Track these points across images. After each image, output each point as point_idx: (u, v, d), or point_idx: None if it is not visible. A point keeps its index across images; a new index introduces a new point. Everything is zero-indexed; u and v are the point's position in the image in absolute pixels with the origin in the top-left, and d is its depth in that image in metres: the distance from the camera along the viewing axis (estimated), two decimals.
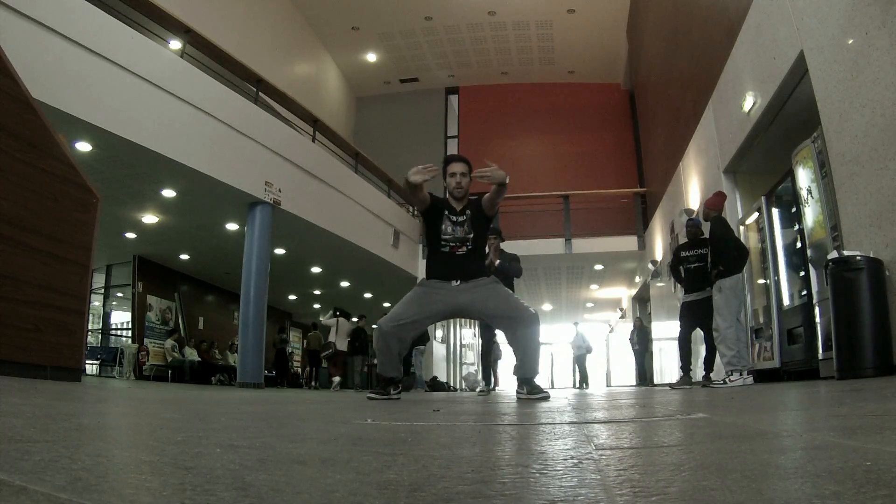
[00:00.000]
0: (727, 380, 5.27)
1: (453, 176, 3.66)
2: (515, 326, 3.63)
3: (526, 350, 3.64)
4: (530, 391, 3.59)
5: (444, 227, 3.61)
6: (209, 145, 8.16)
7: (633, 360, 14.37)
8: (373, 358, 11.29)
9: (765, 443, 1.12)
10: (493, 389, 6.75)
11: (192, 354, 12.88)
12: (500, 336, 5.31)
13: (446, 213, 3.63)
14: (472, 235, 3.64)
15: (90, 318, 9.10)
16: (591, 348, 14.54)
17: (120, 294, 13.57)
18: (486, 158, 3.65)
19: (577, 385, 13.87)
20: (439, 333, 13.90)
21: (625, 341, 14.75)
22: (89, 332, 11.63)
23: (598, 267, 15.35)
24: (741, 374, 5.26)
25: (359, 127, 18.33)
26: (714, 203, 5.81)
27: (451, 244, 3.61)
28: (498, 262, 5.96)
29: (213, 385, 11.76)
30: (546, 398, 3.52)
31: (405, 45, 16.29)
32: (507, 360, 13.03)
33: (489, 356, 6.84)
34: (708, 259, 5.77)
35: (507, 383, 14.46)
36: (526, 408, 2.76)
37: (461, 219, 3.64)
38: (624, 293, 18.15)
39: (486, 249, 4.74)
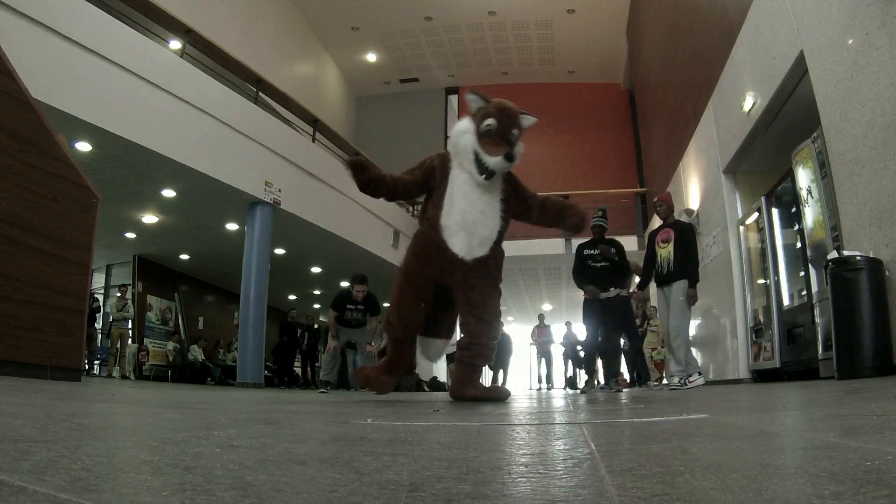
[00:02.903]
0: (687, 381, 5.38)
1: None
2: None
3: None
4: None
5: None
6: (209, 145, 8.15)
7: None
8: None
9: (765, 443, 1.12)
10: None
11: (197, 353, 12.86)
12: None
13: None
14: None
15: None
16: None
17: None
18: None
19: (567, 384, 13.78)
20: None
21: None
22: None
23: None
24: (690, 377, 5.36)
25: (359, 127, 18.31)
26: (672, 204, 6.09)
27: None
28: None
29: (208, 385, 11.73)
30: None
31: (405, 45, 16.29)
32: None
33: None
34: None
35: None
36: (526, 408, 2.76)
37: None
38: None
39: None
